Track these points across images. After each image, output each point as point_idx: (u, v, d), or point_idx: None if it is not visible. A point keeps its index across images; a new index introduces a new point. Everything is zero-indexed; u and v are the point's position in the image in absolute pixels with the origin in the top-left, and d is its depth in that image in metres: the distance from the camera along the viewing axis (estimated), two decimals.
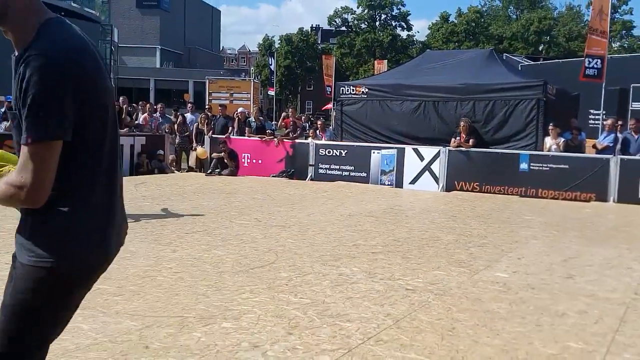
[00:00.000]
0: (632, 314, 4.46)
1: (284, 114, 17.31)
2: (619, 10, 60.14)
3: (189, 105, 19.35)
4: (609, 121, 12.98)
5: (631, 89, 17.98)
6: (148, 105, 17.41)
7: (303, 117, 21.29)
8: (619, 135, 12.60)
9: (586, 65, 13.60)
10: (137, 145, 14.74)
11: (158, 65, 57.44)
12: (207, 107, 18.71)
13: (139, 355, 3.40)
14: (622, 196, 11.15)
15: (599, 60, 13.60)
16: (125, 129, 14.72)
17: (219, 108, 17.01)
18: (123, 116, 15.17)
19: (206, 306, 4.32)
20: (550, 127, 12.30)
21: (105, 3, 38.86)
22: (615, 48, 56.44)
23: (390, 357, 3.50)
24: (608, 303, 4.72)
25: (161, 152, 15.17)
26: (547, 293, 4.96)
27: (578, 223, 8.93)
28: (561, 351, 3.67)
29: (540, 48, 63.66)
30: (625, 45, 61.09)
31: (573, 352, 3.66)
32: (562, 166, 11.70)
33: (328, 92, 28.13)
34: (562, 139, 12.30)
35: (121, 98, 16.71)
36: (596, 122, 17.70)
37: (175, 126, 16.06)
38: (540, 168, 11.83)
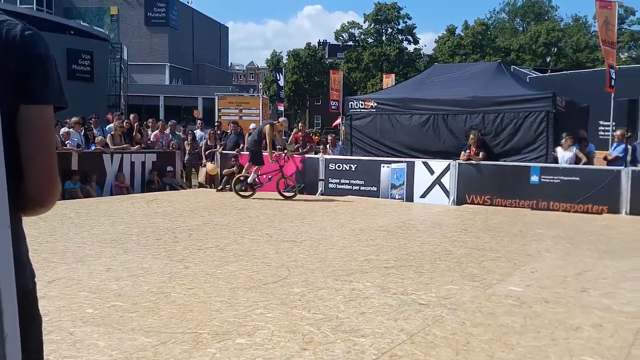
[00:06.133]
0: None
1: (294, 129, 17.32)
2: (626, 21, 60.14)
3: (198, 121, 19.44)
4: (619, 132, 12.94)
5: None
6: (160, 122, 17.54)
7: (315, 137, 21.13)
8: (628, 146, 12.56)
9: (611, 76, 13.67)
10: (148, 162, 14.85)
11: (167, 83, 57.81)
12: (216, 123, 18.73)
13: None
14: (634, 208, 11.08)
15: (612, 71, 13.66)
16: (136, 146, 14.85)
17: (230, 124, 17.09)
18: (134, 133, 15.32)
19: (220, 322, 4.33)
20: (564, 137, 12.24)
21: (114, 22, 39.23)
22: (624, 59, 56.33)
23: None
24: (623, 316, 4.69)
25: (171, 168, 15.27)
26: (561, 307, 4.94)
27: (591, 236, 8.88)
28: None
29: (548, 60, 63.64)
30: (634, 55, 60.98)
31: None
32: (573, 178, 11.66)
33: (333, 107, 28.10)
34: (575, 148, 12.29)
35: (132, 115, 16.88)
36: (606, 133, 17.64)
37: (185, 143, 16.16)
38: (551, 180, 11.80)
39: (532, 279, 5.93)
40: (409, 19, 69.78)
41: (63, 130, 13.34)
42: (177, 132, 16.87)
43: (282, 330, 4.19)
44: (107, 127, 15.57)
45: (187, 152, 16.11)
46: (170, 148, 15.76)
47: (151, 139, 15.88)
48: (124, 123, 15.43)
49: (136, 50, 54.54)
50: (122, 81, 34.58)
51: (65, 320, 4.28)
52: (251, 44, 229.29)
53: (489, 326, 4.37)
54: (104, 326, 4.19)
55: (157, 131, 16.28)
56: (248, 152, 13.38)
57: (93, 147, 13.96)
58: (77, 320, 4.30)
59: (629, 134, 13.29)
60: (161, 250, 7.04)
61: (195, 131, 17.50)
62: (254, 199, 12.93)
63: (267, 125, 12.99)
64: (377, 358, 3.69)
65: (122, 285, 5.35)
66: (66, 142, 13.16)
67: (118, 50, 34.73)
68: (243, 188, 13.19)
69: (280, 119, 14.23)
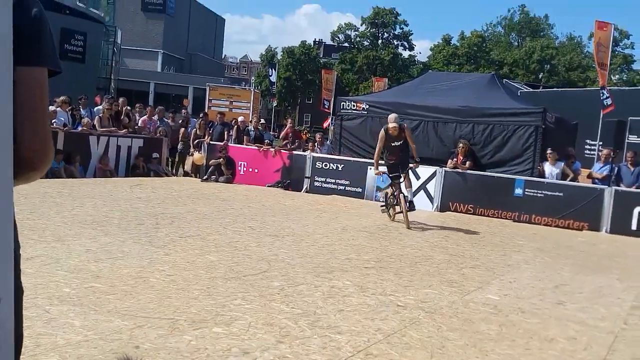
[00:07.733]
0: (621, 343, 4.48)
1: (288, 125, 17.16)
2: (620, 44, 60.81)
3: (183, 111, 19.26)
4: (605, 151, 13.07)
5: (629, 122, 18.12)
6: (149, 108, 17.40)
7: (304, 132, 21.06)
8: (614, 166, 12.69)
9: (601, 97, 13.87)
10: (134, 147, 14.76)
11: (159, 69, 57.49)
12: (202, 113, 18.43)
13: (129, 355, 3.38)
14: (615, 227, 11.19)
15: (604, 92, 13.86)
16: (123, 130, 14.75)
17: (217, 115, 17.04)
18: (122, 117, 15.20)
19: (198, 310, 4.32)
20: (548, 153, 12.34)
21: (110, 4, 38.88)
22: (615, 81, 56.95)
23: None
24: (597, 331, 4.74)
25: (157, 155, 15.19)
26: (537, 317, 4.97)
27: (570, 251, 8.96)
28: None
29: (540, 76, 64.13)
30: (625, 78, 61.68)
31: None
32: (556, 194, 11.75)
33: (325, 106, 28.10)
34: (562, 164, 12.40)
35: (121, 99, 16.74)
36: (592, 152, 17.83)
37: (182, 131, 16.16)
38: (535, 194, 11.88)
39: (510, 289, 5.97)
40: (406, 25, 70.16)
41: (50, 108, 13.22)
42: (165, 119, 16.77)
43: (259, 322, 4.18)
44: (96, 108, 15.44)
45: (180, 139, 16.05)
46: (158, 134, 15.67)
47: (139, 124, 15.78)
48: (113, 106, 15.29)
49: (131, 34, 54.21)
50: (113, 64, 34.28)
51: (42, 298, 4.24)
52: (246, 37, 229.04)
53: (464, 332, 4.39)
54: (80, 306, 4.16)
55: (145, 117, 16.18)
56: None
57: (80, 128, 13.84)
58: (53, 299, 4.27)
59: (614, 154, 13.42)
60: (142, 236, 7.00)
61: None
62: (238, 191, 12.90)
63: (381, 131, 10.21)
64: (352, 355, 3.70)
65: (101, 267, 5.31)
66: (52, 121, 13.03)
67: (112, 33, 34.40)
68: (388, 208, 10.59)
69: (390, 116, 10.25)
